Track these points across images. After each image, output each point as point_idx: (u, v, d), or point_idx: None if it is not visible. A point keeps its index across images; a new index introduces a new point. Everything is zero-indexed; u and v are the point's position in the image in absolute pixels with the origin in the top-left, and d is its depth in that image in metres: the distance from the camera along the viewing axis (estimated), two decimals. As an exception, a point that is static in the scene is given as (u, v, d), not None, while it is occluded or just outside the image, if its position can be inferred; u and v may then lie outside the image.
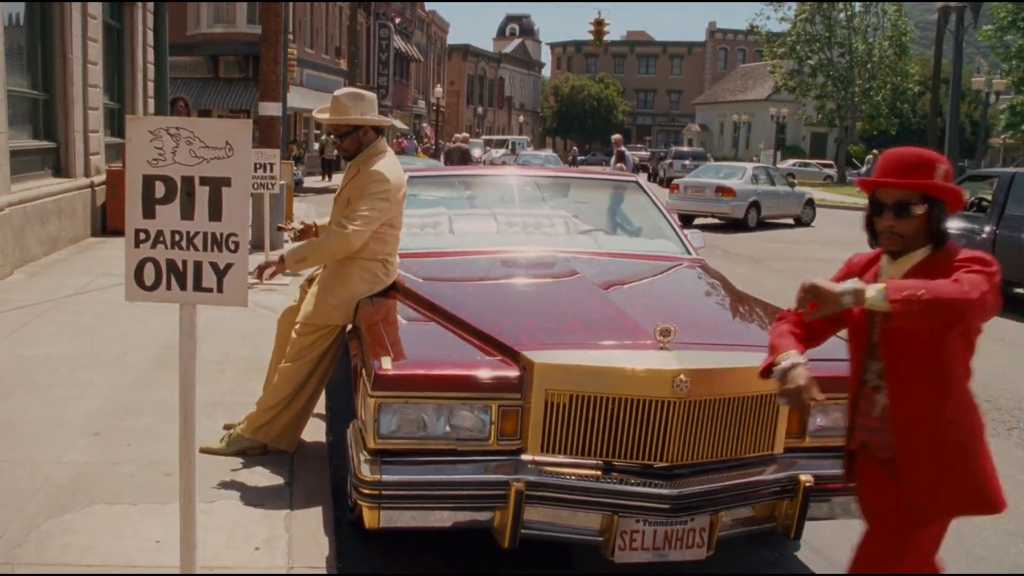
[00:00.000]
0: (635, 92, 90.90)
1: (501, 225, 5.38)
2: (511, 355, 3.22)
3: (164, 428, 4.66)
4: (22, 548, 3.31)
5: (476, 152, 42.16)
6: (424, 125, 52.37)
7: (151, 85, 14.59)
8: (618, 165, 17.57)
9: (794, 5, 50.14)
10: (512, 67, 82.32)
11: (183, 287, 2.28)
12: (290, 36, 27.98)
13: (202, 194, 2.25)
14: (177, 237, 2.29)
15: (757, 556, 4.02)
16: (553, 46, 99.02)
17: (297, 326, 4.28)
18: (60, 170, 11.04)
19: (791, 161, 53.92)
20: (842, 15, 49.23)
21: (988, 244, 11.17)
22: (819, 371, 3.49)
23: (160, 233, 2.30)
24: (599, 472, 3.17)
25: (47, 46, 10.53)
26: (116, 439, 4.48)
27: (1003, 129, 35.60)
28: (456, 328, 3.56)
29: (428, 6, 58.16)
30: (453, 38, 70.42)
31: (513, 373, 3.15)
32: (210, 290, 2.28)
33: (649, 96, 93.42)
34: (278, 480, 4.08)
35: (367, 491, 3.04)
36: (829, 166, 50.52)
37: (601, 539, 3.18)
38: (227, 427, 4.71)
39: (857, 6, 49.15)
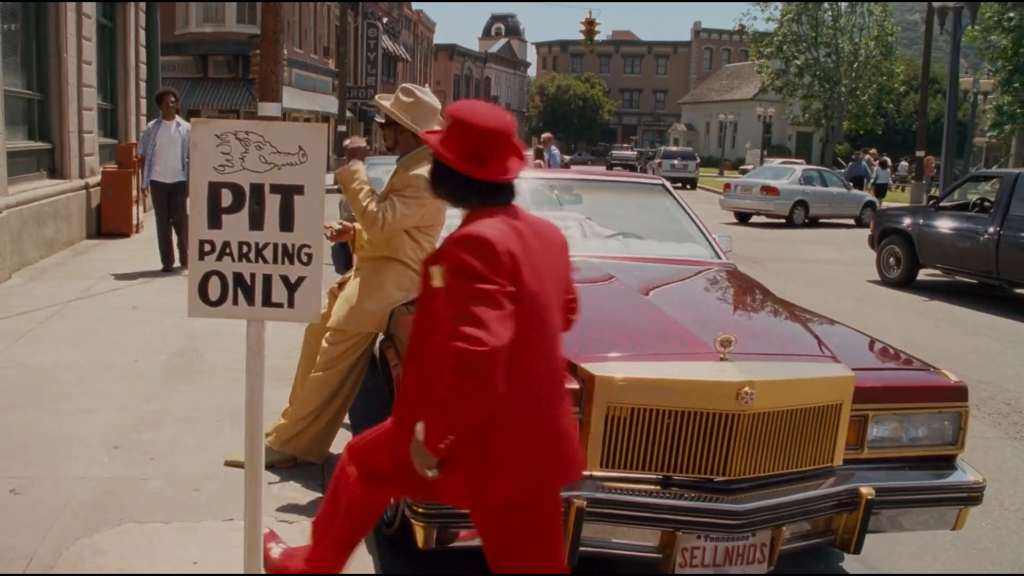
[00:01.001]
0: (621, 92, 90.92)
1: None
2: (567, 367, 3.09)
3: (185, 440, 4.53)
4: (54, 572, 3.16)
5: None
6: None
7: (143, 85, 14.38)
8: (536, 162, 17.13)
9: (780, 5, 50.33)
10: (498, 67, 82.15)
11: (251, 302, 2.12)
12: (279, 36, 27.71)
13: (272, 202, 2.09)
14: (245, 249, 2.12)
15: (802, 567, 3.92)
16: (539, 46, 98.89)
17: (328, 334, 4.14)
18: (55, 171, 10.84)
19: (778, 160, 54.06)
20: (828, 15, 49.41)
21: (992, 245, 11.17)
22: (889, 381, 3.44)
23: (227, 244, 2.12)
24: (658, 487, 3.06)
25: (42, 45, 10.33)
26: (138, 453, 4.33)
27: (989, 128, 35.89)
28: (503, 338, 3.43)
29: (415, 5, 57.92)
30: (439, 38, 70.30)
31: (571, 386, 3.03)
32: (280, 305, 2.12)
33: (635, 96, 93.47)
34: (312, 495, 3.94)
35: (422, 510, 2.91)
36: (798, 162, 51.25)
37: (660, 556, 3.07)
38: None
39: (843, 6, 49.37)
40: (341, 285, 4.39)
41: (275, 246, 2.10)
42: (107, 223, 11.73)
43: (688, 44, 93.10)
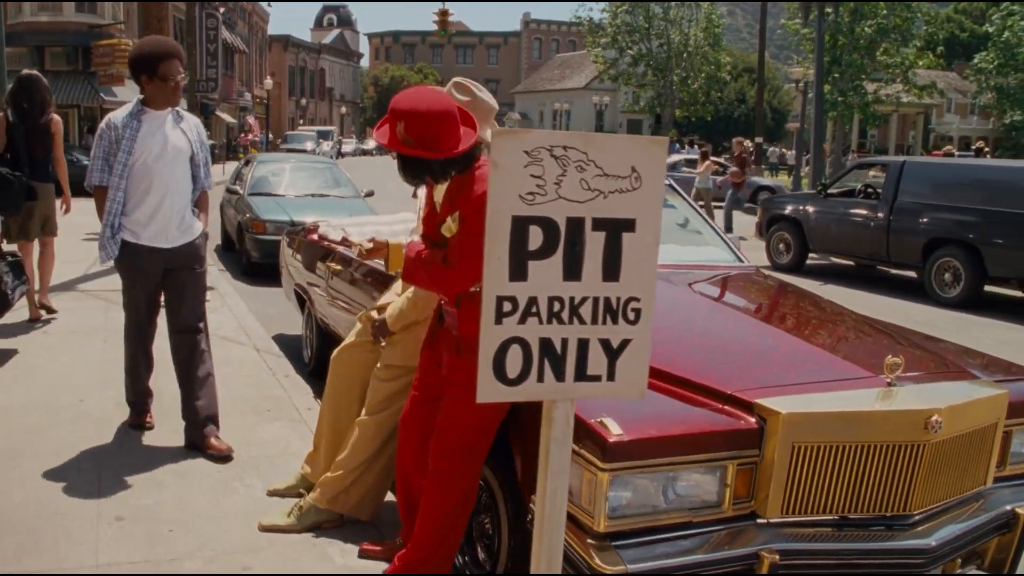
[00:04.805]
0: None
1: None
2: (739, 404, 2.75)
3: (195, 501, 3.87)
4: None
5: (309, 145, 40.57)
6: (249, 118, 49.88)
7: (-13, 80, 12.74)
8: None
9: (611, -1, 51.61)
10: (332, 58, 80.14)
11: (560, 376, 1.56)
12: (120, 27, 25.55)
13: (595, 242, 1.56)
14: (556, 306, 1.56)
15: None
16: (371, 36, 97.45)
17: (380, 369, 3.60)
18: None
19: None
20: (659, 9, 51.09)
21: (882, 230, 11.64)
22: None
23: (533, 301, 1.55)
24: (836, 529, 2.78)
25: None
26: (147, 522, 3.62)
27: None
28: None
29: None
30: (273, 28, 67.58)
31: (751, 426, 2.68)
32: (597, 378, 1.58)
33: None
34: (376, 565, 3.39)
35: (603, 579, 2.49)
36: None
37: (837, 601, 2.79)
38: (272, 494, 3.96)
39: (672, -1, 51.21)
40: (380, 310, 3.83)
41: (595, 300, 1.57)
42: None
43: (518, 35, 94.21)
